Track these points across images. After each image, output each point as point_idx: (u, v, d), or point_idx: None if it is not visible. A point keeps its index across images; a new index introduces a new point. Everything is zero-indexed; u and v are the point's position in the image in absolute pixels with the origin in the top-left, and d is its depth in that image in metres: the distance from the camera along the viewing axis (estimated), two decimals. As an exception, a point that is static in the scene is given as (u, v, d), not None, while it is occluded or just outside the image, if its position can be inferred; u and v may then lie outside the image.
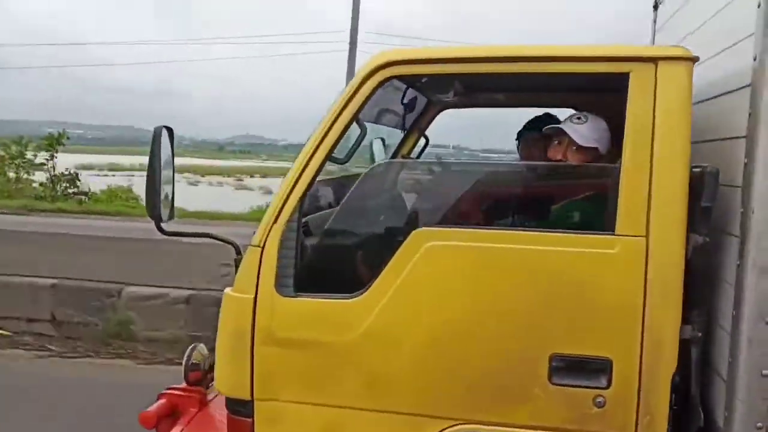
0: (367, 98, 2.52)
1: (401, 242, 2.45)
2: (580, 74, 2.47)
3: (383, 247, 2.49)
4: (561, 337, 2.38)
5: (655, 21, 3.93)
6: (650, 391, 2.33)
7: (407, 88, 3.11)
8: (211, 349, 3.24)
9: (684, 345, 2.39)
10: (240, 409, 2.63)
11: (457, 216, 2.56)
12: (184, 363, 3.48)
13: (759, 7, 2.21)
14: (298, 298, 2.54)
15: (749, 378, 2.27)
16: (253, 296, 2.56)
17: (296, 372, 2.57)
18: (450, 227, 2.47)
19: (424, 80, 2.67)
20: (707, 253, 2.37)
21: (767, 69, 2.19)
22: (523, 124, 3.38)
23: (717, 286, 2.43)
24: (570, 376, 2.37)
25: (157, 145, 2.52)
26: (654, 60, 2.34)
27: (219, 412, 3.31)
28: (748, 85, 2.26)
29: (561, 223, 2.48)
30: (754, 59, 2.23)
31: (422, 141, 3.59)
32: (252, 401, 2.60)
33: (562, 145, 2.67)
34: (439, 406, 2.47)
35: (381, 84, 2.51)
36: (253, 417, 2.60)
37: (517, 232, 2.45)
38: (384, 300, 2.45)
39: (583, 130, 2.66)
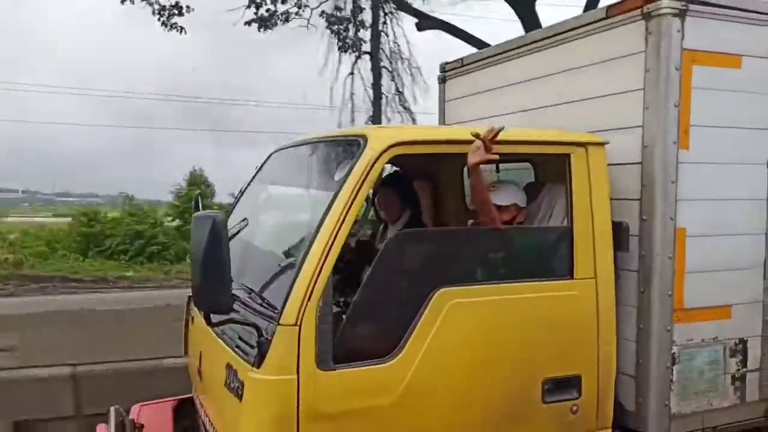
0: (377, 173, 2.73)
1: (424, 303, 2.72)
2: (535, 153, 3.10)
3: (410, 309, 2.72)
4: (548, 364, 2.96)
5: (441, 92, 4.73)
6: (605, 395, 3.08)
7: None
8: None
9: None
10: None
11: (467, 274, 2.92)
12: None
13: (646, 109, 3.15)
14: (339, 370, 2.59)
15: (658, 371, 3.18)
16: (294, 376, 2.52)
17: None
18: (466, 286, 2.84)
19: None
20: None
21: (655, 154, 3.13)
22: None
23: (619, 310, 3.27)
24: (556, 394, 2.97)
25: (222, 232, 2.32)
26: (584, 145, 3.10)
27: None
28: (639, 163, 3.18)
29: (527, 271, 3.05)
30: (644, 146, 3.16)
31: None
32: None
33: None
34: None
35: (390, 160, 2.75)
36: None
37: (516, 284, 2.94)
38: (418, 358, 2.69)
39: (498, 196, 3.26)
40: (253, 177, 4.03)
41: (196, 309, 3.63)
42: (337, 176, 2.77)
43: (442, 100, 4.74)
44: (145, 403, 4.13)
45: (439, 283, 2.77)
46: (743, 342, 3.42)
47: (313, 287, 2.56)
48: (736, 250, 3.37)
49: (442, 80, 4.73)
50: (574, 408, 3.01)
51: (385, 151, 2.73)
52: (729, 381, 3.40)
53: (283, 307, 2.56)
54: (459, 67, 4.55)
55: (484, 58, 4.31)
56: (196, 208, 4.03)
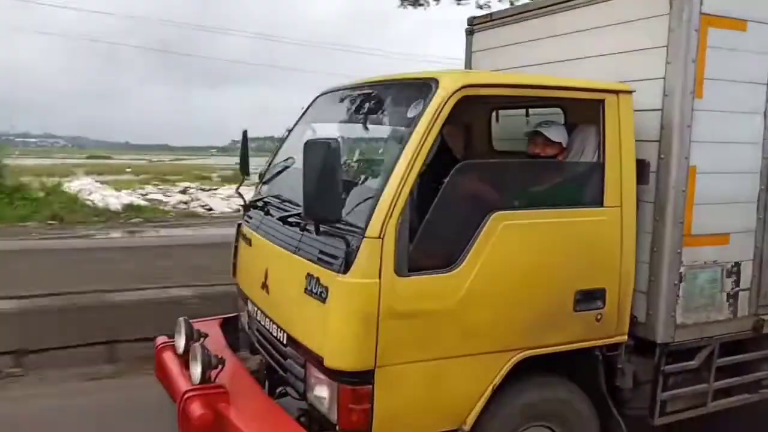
0: (450, 113, 3.19)
1: (481, 224, 3.23)
2: (573, 98, 3.60)
3: (470, 228, 3.23)
4: (580, 278, 3.51)
5: (468, 44, 5.18)
6: (623, 306, 3.64)
7: None
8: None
9: None
10: (361, 380, 3.07)
11: (517, 201, 3.42)
12: (200, 361, 3.54)
13: (668, 63, 3.64)
14: (411, 277, 3.10)
15: (667, 288, 3.74)
16: (377, 280, 3.02)
17: (411, 338, 3.13)
18: (516, 210, 3.35)
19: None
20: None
21: (674, 102, 3.64)
22: None
23: (637, 236, 3.81)
24: (584, 304, 3.53)
25: (336, 157, 2.81)
26: (617, 92, 3.60)
27: (246, 399, 3.55)
28: (659, 109, 3.69)
29: (566, 199, 3.57)
30: (665, 95, 3.66)
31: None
32: (373, 370, 3.07)
33: (538, 144, 3.78)
34: (509, 342, 3.36)
35: (460, 102, 3.21)
36: (373, 384, 3.08)
37: (557, 210, 3.46)
38: (475, 270, 3.21)
39: (550, 132, 3.79)
40: (301, 116, 4.48)
41: (252, 234, 4.12)
42: (411, 114, 3.23)
43: (469, 51, 5.20)
44: (196, 320, 4.63)
45: (494, 208, 3.28)
46: (738, 265, 4.00)
47: (394, 206, 3.04)
48: (737, 186, 3.93)
49: (470, 32, 5.18)
50: (599, 317, 3.57)
51: (456, 91, 3.20)
52: (725, 298, 3.99)
53: (367, 223, 3.05)
54: (487, 22, 5.00)
55: (511, 15, 4.77)
56: (244, 142, 4.50)
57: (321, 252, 3.25)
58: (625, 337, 3.71)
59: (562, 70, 4.21)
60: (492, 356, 3.34)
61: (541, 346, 3.46)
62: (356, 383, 3.07)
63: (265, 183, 4.53)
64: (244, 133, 4.53)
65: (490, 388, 3.32)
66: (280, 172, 4.39)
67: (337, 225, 3.21)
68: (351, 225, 3.15)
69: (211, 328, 4.55)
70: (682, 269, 3.79)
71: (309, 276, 3.29)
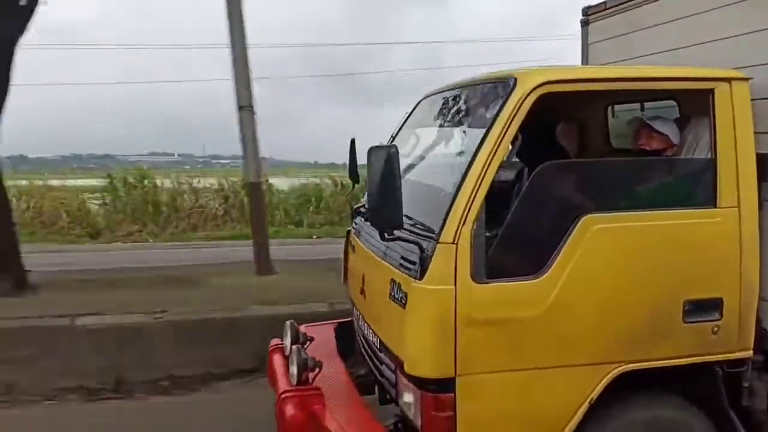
0: (528, 112, 3.03)
1: (570, 228, 3.02)
2: (679, 90, 3.29)
3: (557, 233, 3.04)
4: (690, 287, 3.18)
5: (584, 36, 4.90)
6: (746, 317, 3.25)
7: None
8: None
9: None
10: (442, 387, 2.97)
11: (610, 202, 3.20)
12: (296, 363, 3.63)
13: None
14: (491, 284, 2.97)
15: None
16: (452, 287, 2.92)
17: (493, 346, 2.99)
18: (609, 213, 3.11)
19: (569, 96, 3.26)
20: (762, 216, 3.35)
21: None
22: None
23: (762, 239, 3.39)
24: (697, 315, 3.18)
25: (395, 162, 2.79)
26: (728, 80, 3.24)
27: (341, 402, 3.58)
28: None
29: (672, 200, 3.26)
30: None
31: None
32: (454, 378, 2.96)
33: (642, 135, 3.51)
34: (607, 354, 3.11)
35: (539, 100, 3.04)
36: (455, 392, 2.97)
37: (657, 212, 3.17)
38: (564, 276, 3.01)
39: (655, 122, 3.51)
40: (404, 121, 4.46)
41: (355, 240, 4.16)
42: (489, 114, 3.11)
43: (585, 44, 4.91)
44: (309, 324, 4.73)
45: (584, 210, 3.06)
46: None
47: (468, 211, 2.93)
48: None
49: (585, 23, 4.89)
50: (715, 329, 3.21)
51: (534, 89, 3.03)
52: None
53: (441, 228, 2.96)
54: (602, 11, 4.70)
55: (625, 1, 4.43)
56: (352, 149, 4.54)
57: (402, 258, 3.21)
58: (750, 352, 3.30)
59: (685, 58, 3.85)
60: (588, 368, 3.10)
61: (645, 360, 3.16)
62: (437, 390, 2.99)
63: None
64: (352, 141, 4.59)
65: (587, 402, 3.09)
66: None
67: (418, 230, 3.16)
68: (428, 230, 3.09)
69: (325, 332, 4.65)
70: (817, 277, 3.32)
71: (392, 281, 3.26)
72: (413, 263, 3.06)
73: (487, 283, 2.97)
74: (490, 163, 2.97)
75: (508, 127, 3.00)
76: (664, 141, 3.47)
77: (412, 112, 4.38)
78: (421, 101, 4.32)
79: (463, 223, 2.92)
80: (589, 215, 3.04)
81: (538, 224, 3.10)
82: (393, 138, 4.41)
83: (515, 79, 3.11)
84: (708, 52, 3.69)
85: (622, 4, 4.48)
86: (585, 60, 4.93)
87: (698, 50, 3.77)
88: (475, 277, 2.95)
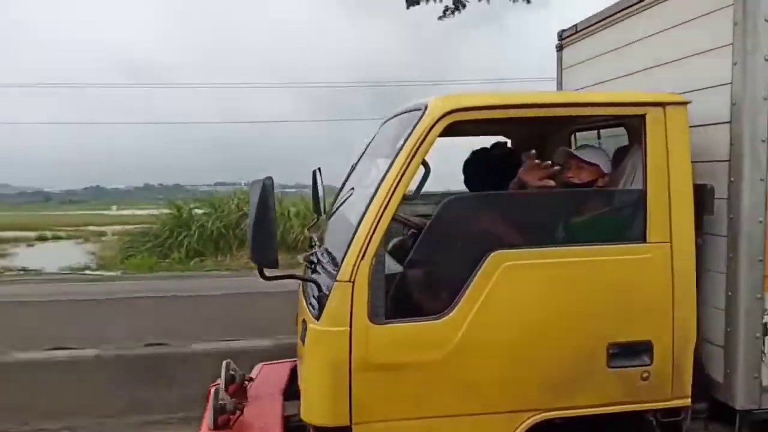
0: (433, 141, 2.84)
1: (478, 265, 2.81)
2: (605, 116, 3.05)
3: (463, 270, 2.83)
4: (614, 328, 2.92)
5: (559, 61, 4.67)
6: (681, 362, 2.97)
7: None
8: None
9: None
10: None
11: (522, 238, 2.98)
12: (211, 406, 3.48)
13: (734, 64, 2.96)
14: (390, 325, 2.78)
15: (746, 341, 3.01)
16: (347, 328, 2.74)
17: (394, 392, 2.80)
18: (521, 249, 2.89)
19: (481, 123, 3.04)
20: (703, 251, 3.08)
21: (743, 112, 2.94)
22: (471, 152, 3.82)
23: (703, 276, 3.12)
24: (622, 359, 2.92)
25: (271, 197, 2.61)
26: (663, 105, 2.98)
27: None
28: (728, 122, 3.00)
29: (594, 234, 3.02)
30: (733, 104, 2.97)
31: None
32: (350, 427, 2.77)
33: (571, 166, 3.26)
34: (522, 401, 2.88)
35: (446, 128, 2.85)
36: None
37: (574, 248, 2.94)
38: (470, 317, 2.79)
39: (583, 152, 3.26)
40: (365, 148, 4.27)
41: None
42: (399, 143, 2.92)
43: (560, 68, 4.68)
44: (269, 363, 4.54)
45: (494, 246, 2.85)
46: None
47: (367, 247, 2.75)
48: None
49: (559, 48, 4.66)
50: (645, 374, 2.95)
51: (441, 118, 2.84)
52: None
53: (339, 265, 2.79)
54: (573, 34, 4.47)
55: (593, 24, 4.20)
56: (314, 183, 4.31)
57: (312, 297, 3.04)
58: (688, 400, 3.02)
59: (645, 82, 3.61)
60: (500, 417, 2.88)
61: (566, 408, 2.92)
62: None
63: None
64: (314, 172, 4.40)
65: None
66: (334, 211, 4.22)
67: (327, 267, 2.99)
68: (333, 266, 2.91)
69: (282, 370, 4.47)
70: (766, 318, 3.03)
71: (303, 323, 3.10)
72: (315, 303, 2.90)
73: (386, 323, 2.78)
74: (392, 195, 2.79)
75: (413, 156, 2.82)
76: (594, 171, 3.22)
77: (373, 137, 4.20)
78: (381, 126, 4.15)
79: (362, 259, 2.75)
80: (498, 251, 2.83)
81: (444, 261, 2.91)
82: (353, 168, 4.22)
83: (426, 107, 2.92)
84: (661, 76, 3.46)
85: (589, 27, 4.26)
86: (559, 85, 4.71)
87: (651, 73, 3.54)
88: (373, 317, 2.76)
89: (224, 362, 4.11)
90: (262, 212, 2.62)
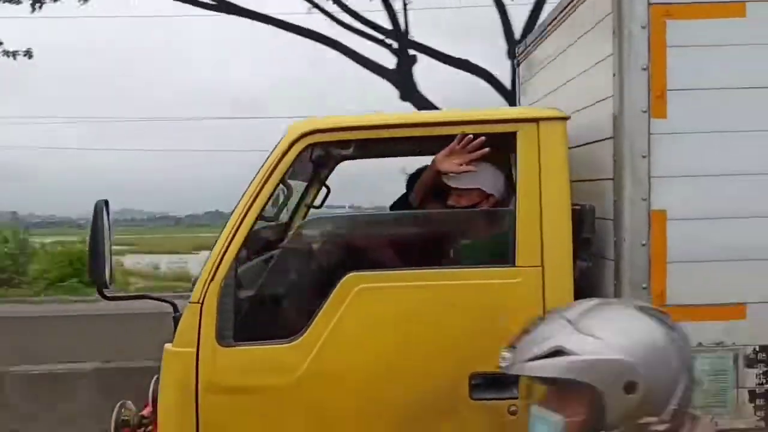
0: (292, 163, 2.81)
1: (332, 288, 2.73)
2: (479, 134, 2.89)
3: (315, 293, 2.77)
4: (477, 357, 2.74)
5: (517, 75, 4.52)
6: None
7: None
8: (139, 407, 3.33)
9: None
10: None
11: (382, 261, 2.88)
12: (113, 421, 3.52)
13: (614, 76, 2.75)
14: (239, 347, 2.74)
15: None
16: (195, 349, 2.73)
17: (243, 416, 2.76)
18: (376, 271, 2.79)
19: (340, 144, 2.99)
20: (590, 275, 2.85)
21: (623, 126, 2.72)
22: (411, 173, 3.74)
23: None
24: (487, 391, 2.74)
25: (101, 218, 2.67)
26: (536, 120, 2.81)
27: None
28: (612, 137, 2.78)
29: (470, 259, 2.88)
30: (614, 118, 2.76)
31: (324, 190, 3.91)
32: None
33: (452, 194, 3.09)
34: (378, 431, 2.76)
35: (303, 150, 2.81)
36: None
37: (434, 270, 2.81)
38: (320, 342, 2.72)
39: (462, 178, 3.06)
40: None
41: None
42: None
43: (518, 83, 4.53)
44: None
45: (350, 268, 2.76)
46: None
47: (217, 268, 2.74)
48: (747, 236, 2.75)
49: (517, 63, 4.52)
50: (513, 408, 2.75)
51: (296, 140, 2.80)
52: (746, 398, 2.78)
53: (193, 287, 2.79)
54: (525, 49, 4.32)
55: (536, 38, 4.05)
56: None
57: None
58: None
59: (556, 100, 3.43)
60: None
61: None
62: None
63: None
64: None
65: None
66: None
67: None
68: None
69: None
70: (654, 350, 2.75)
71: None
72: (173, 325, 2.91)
73: (234, 346, 2.75)
74: (244, 216, 2.77)
75: (268, 177, 2.79)
76: (476, 195, 3.04)
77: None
78: None
79: (211, 281, 2.74)
80: (353, 273, 2.74)
81: (298, 283, 2.86)
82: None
83: (287, 128, 2.89)
84: (567, 93, 3.29)
85: (534, 41, 4.10)
86: (518, 100, 4.55)
87: (560, 91, 3.37)
88: (221, 339, 2.74)
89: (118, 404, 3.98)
90: (94, 233, 2.68)
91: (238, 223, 2.77)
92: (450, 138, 2.87)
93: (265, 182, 2.79)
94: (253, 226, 2.79)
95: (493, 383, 2.74)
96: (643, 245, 2.73)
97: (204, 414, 2.74)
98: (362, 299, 2.73)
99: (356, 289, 2.72)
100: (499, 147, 2.94)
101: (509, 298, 2.76)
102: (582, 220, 2.81)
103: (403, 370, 2.75)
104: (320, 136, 2.84)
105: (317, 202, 3.99)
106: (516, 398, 2.72)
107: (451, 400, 2.74)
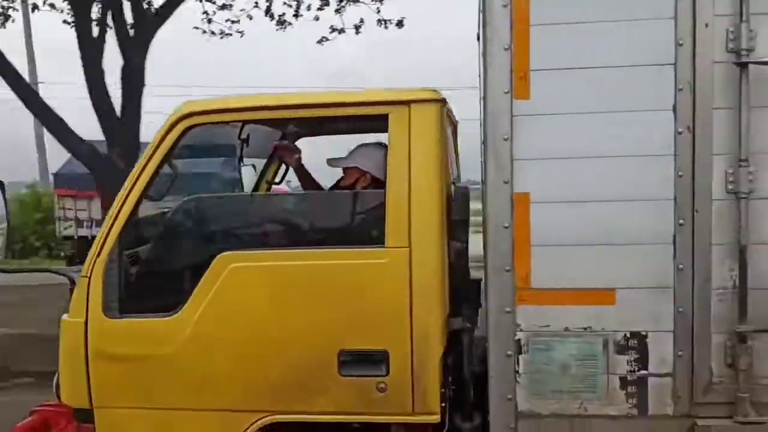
0: (174, 144, 2.93)
1: (209, 265, 2.86)
2: (352, 116, 2.93)
3: (194, 270, 2.90)
4: (346, 335, 2.81)
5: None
6: (421, 375, 2.78)
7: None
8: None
9: (457, 334, 2.88)
10: (84, 417, 3.00)
11: (257, 240, 2.98)
12: (54, 381, 3.83)
13: (480, 57, 2.71)
14: (123, 319, 2.93)
15: (496, 359, 2.75)
16: (84, 320, 2.93)
17: (127, 382, 2.94)
18: (249, 251, 2.89)
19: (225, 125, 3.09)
20: (467, 256, 2.85)
21: (488, 108, 2.69)
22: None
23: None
24: (355, 368, 2.80)
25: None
26: (407, 103, 2.81)
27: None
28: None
29: (349, 238, 2.93)
30: (480, 99, 2.73)
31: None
32: (92, 410, 2.97)
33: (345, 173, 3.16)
34: (251, 402, 2.88)
35: (185, 132, 2.92)
36: (94, 423, 2.98)
37: (305, 250, 2.88)
38: (196, 316, 2.85)
39: (344, 158, 3.15)
40: None
41: None
42: None
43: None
44: None
45: (225, 247, 2.88)
46: (640, 337, 2.69)
47: (103, 245, 2.92)
48: (624, 220, 2.66)
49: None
50: (382, 385, 2.80)
51: (177, 122, 2.92)
52: (618, 384, 2.72)
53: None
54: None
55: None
56: None
57: None
58: (436, 417, 2.81)
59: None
60: (228, 415, 2.90)
61: (299, 413, 2.87)
62: (81, 420, 3.05)
63: None
64: None
65: None
66: None
67: None
68: None
69: None
70: (519, 335, 2.73)
71: None
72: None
73: (119, 318, 2.93)
74: (127, 197, 2.93)
75: (150, 159, 2.93)
76: (356, 173, 3.08)
77: None
78: None
79: (97, 257, 2.93)
80: (226, 252, 2.85)
81: (177, 260, 2.99)
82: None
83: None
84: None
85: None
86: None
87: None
88: (107, 311, 2.93)
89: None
90: None
91: (121, 203, 2.93)
92: (327, 120, 2.92)
93: (147, 164, 2.93)
94: (136, 206, 2.94)
95: (361, 360, 2.80)
96: (506, 228, 2.69)
97: (93, 378, 2.95)
98: (234, 277, 2.83)
99: (229, 267, 2.84)
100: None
101: (377, 278, 2.80)
102: (455, 202, 2.81)
103: (275, 346, 2.85)
104: (197, 118, 2.93)
105: (277, 179, 4.17)
106: (384, 376, 2.79)
107: (321, 375, 2.83)
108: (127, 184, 2.94)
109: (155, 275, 3.04)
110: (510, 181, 2.68)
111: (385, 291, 2.79)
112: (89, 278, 2.92)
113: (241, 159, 3.57)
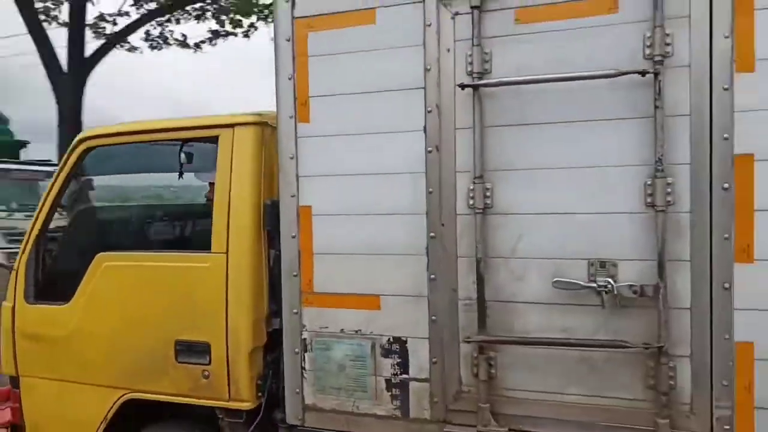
0: (75, 163, 3.60)
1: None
2: (194, 138, 3.42)
3: (83, 267, 3.55)
4: (181, 328, 3.29)
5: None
6: (234, 367, 3.18)
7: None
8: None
9: (278, 332, 3.23)
10: (15, 384, 3.76)
11: (129, 243, 3.56)
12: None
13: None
14: (35, 305, 3.65)
15: (288, 355, 3.07)
16: (12, 305, 3.70)
17: (38, 356, 3.66)
18: (118, 252, 3.48)
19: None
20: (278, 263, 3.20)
21: (280, 131, 3.03)
22: None
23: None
24: (187, 356, 3.28)
25: None
26: (232, 126, 3.25)
27: None
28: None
29: (192, 244, 3.41)
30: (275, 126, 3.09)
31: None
32: (18, 378, 3.72)
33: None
34: (116, 380, 3.46)
35: (85, 153, 3.59)
36: (19, 388, 3.73)
37: (155, 253, 3.41)
38: (81, 305, 3.50)
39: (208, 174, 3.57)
40: None
41: None
42: None
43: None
44: None
45: (103, 249, 3.49)
46: (401, 342, 2.86)
47: (27, 244, 3.68)
48: (381, 232, 2.88)
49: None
50: (206, 373, 3.23)
51: (75, 146, 3.60)
52: (383, 385, 2.90)
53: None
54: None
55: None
56: None
57: None
58: (247, 404, 3.18)
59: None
60: (103, 390, 3.50)
61: (148, 392, 3.39)
62: (14, 386, 3.80)
63: None
64: None
65: (103, 420, 3.49)
66: None
67: None
68: None
69: None
70: (305, 335, 3.04)
71: None
72: None
73: (33, 304, 3.66)
74: (42, 207, 3.66)
75: (57, 177, 3.64)
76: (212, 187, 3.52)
77: None
78: None
79: (23, 254, 3.69)
80: (103, 253, 3.46)
81: (73, 258, 3.63)
82: None
83: None
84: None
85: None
86: None
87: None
88: (26, 298, 3.68)
89: None
90: None
91: (38, 212, 3.67)
92: (175, 143, 3.44)
93: (55, 181, 3.64)
94: (50, 216, 3.66)
95: (191, 350, 3.28)
96: (293, 237, 3.02)
97: (18, 354, 3.70)
98: (107, 274, 3.45)
99: (103, 266, 3.45)
100: None
101: (202, 279, 3.25)
102: (268, 215, 3.17)
103: (131, 334, 3.41)
104: (92, 141, 3.58)
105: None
106: (207, 365, 3.23)
107: (165, 360, 3.33)
108: (43, 197, 3.68)
109: (57, 270, 3.73)
110: (296, 195, 3.01)
111: (208, 291, 3.24)
112: (17, 271, 3.70)
113: (180, 174, 4.15)
